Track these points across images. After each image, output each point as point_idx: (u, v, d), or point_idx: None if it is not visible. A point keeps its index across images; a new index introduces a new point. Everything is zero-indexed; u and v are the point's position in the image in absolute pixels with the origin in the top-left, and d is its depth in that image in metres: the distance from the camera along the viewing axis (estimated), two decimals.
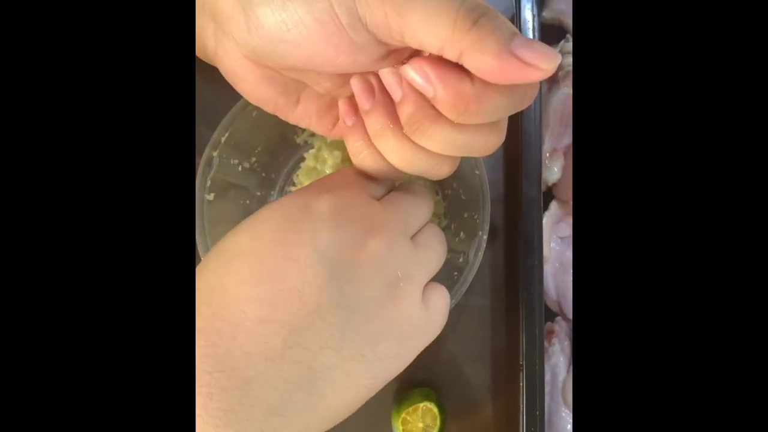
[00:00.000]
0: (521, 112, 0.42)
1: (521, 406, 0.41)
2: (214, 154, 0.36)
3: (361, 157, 0.28)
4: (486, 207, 0.37)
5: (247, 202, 0.41)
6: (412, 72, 0.24)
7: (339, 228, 0.25)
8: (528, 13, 0.43)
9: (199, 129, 0.35)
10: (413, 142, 0.26)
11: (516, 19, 0.43)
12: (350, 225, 0.25)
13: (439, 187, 0.43)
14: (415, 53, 0.25)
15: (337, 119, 0.29)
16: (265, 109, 0.29)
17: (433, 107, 0.24)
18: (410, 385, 0.44)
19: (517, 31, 0.21)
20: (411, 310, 0.26)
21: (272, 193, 0.43)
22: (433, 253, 0.29)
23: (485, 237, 0.37)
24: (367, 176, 0.29)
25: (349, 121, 0.28)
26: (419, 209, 0.29)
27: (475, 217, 0.38)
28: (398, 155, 0.26)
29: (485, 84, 0.22)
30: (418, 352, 0.27)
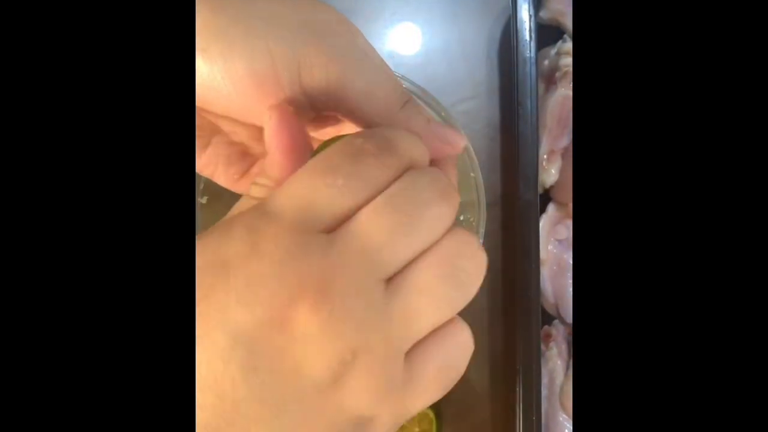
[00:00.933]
0: (517, 113, 0.42)
1: (518, 410, 0.40)
2: None
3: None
4: (482, 210, 0.37)
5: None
6: None
7: (256, 301, 0.18)
8: (525, 14, 0.42)
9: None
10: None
11: (513, 20, 0.43)
12: (272, 294, 0.18)
13: None
14: (337, 123, 0.26)
15: (246, 170, 0.28)
16: None
17: None
18: None
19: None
20: (364, 398, 0.19)
21: None
22: (431, 294, 0.19)
23: (482, 240, 0.37)
24: (309, 197, 0.19)
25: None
26: (413, 227, 0.19)
27: (471, 220, 0.38)
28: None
29: None
30: (399, 423, 0.21)
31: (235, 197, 0.39)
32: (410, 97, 0.24)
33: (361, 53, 0.23)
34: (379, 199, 0.19)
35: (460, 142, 0.24)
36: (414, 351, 0.20)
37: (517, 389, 0.41)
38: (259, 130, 0.24)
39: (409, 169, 0.20)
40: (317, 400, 0.18)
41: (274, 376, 0.18)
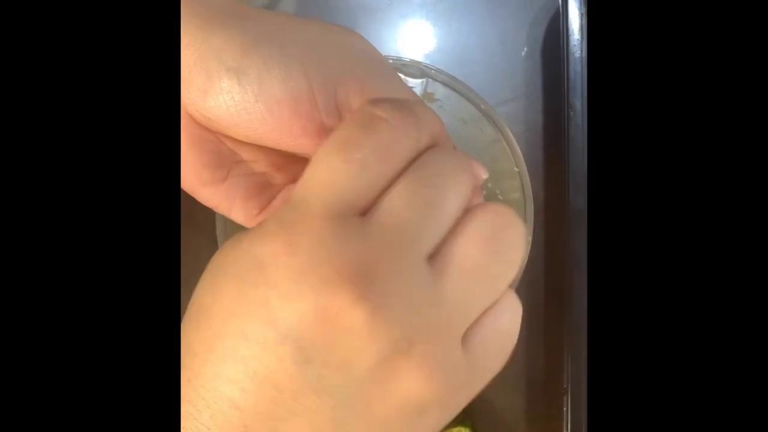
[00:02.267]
0: (567, 116, 0.40)
1: None
2: None
3: None
4: (529, 207, 0.34)
5: None
6: None
7: (299, 297, 0.18)
8: (575, 11, 0.40)
9: None
10: None
11: (562, 17, 0.40)
12: (314, 289, 0.17)
13: None
14: None
15: (265, 205, 0.25)
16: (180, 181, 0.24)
17: None
18: None
19: None
20: (424, 388, 0.18)
21: None
22: (479, 271, 0.19)
23: (530, 239, 0.34)
24: (342, 184, 0.18)
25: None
26: (447, 200, 0.19)
27: None
28: None
29: None
30: (459, 409, 0.20)
31: None
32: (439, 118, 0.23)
33: (390, 74, 0.23)
34: (408, 174, 0.19)
35: (483, 174, 0.22)
36: (470, 333, 0.19)
37: (565, 410, 0.38)
38: (281, 157, 0.25)
39: (431, 145, 0.20)
40: (374, 391, 0.18)
41: (329, 369, 0.18)
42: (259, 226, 0.19)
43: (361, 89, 0.22)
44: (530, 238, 0.35)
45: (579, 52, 0.40)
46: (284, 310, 0.18)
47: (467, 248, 0.19)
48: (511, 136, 0.36)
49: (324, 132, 0.22)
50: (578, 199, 0.38)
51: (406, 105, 0.19)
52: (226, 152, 0.24)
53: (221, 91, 0.21)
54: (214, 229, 0.36)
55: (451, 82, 0.37)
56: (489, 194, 0.39)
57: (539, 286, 0.43)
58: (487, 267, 0.19)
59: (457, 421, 0.39)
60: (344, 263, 0.17)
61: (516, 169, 0.35)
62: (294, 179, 0.25)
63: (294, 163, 0.25)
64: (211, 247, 0.38)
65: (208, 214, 0.37)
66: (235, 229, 0.35)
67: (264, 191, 0.25)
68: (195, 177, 0.24)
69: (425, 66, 0.37)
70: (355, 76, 0.22)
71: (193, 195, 0.25)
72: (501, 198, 0.38)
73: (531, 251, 0.42)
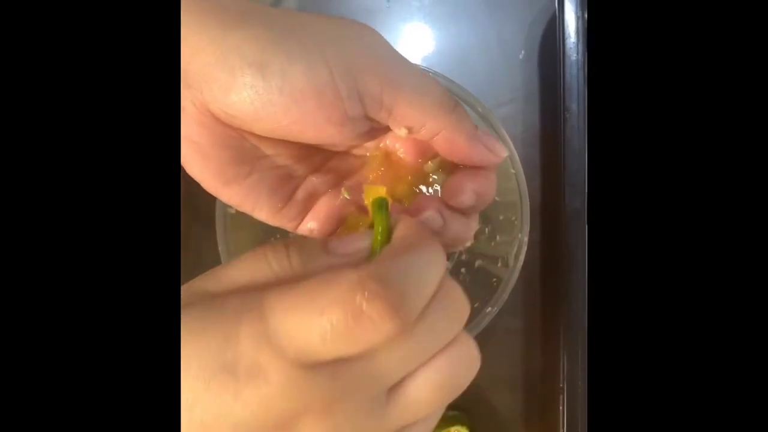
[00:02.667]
0: (563, 118, 0.40)
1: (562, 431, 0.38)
2: None
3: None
4: (525, 207, 0.35)
5: None
6: (428, 211, 0.25)
7: (261, 411, 0.18)
8: (571, 14, 0.41)
9: None
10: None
11: (558, 21, 0.41)
12: (278, 411, 0.18)
13: None
14: (387, 132, 0.26)
15: (289, 197, 0.26)
16: (202, 183, 0.24)
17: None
18: None
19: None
20: None
21: None
22: (428, 404, 0.20)
23: (525, 239, 0.35)
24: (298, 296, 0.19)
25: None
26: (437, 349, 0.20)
27: (513, 218, 0.35)
28: None
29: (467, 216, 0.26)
30: None
31: None
32: (457, 102, 0.24)
33: (405, 62, 0.24)
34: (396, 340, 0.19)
35: (503, 152, 0.25)
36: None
37: (561, 409, 0.38)
38: (304, 150, 0.26)
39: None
40: None
41: None
42: (236, 338, 0.18)
43: (380, 79, 0.23)
44: (525, 239, 0.35)
45: (575, 54, 0.40)
46: (245, 413, 0.18)
47: (423, 383, 0.20)
48: (507, 138, 0.36)
49: (347, 120, 0.23)
50: (575, 199, 0.39)
51: (404, 293, 0.18)
52: (248, 148, 0.25)
53: (244, 86, 0.22)
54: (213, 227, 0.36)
55: (448, 85, 0.37)
56: None
57: (536, 286, 0.43)
58: (437, 400, 0.20)
59: (455, 421, 0.39)
60: (311, 397, 0.18)
61: (512, 170, 0.35)
62: (315, 169, 0.27)
63: (315, 154, 0.26)
64: (211, 245, 0.38)
65: (208, 214, 0.37)
66: (236, 228, 0.35)
67: (287, 184, 0.26)
68: (218, 175, 0.24)
69: (423, 69, 0.38)
70: (374, 66, 0.23)
71: (216, 195, 0.25)
72: (498, 199, 0.38)
73: (528, 252, 0.42)
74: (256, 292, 0.19)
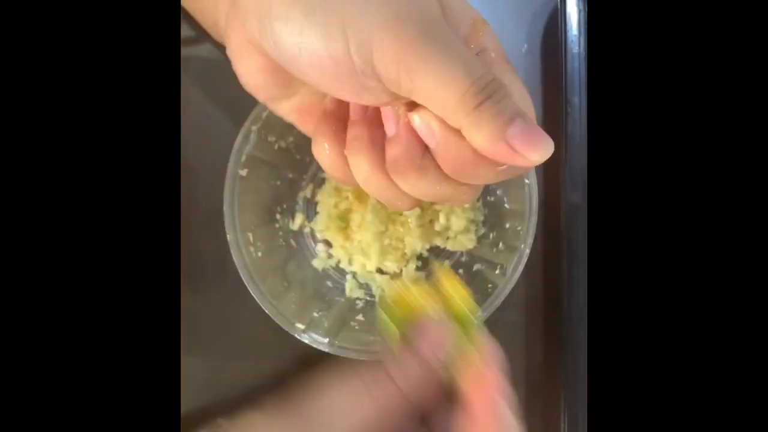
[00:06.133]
0: (565, 112, 0.40)
1: (563, 427, 0.38)
2: (253, 128, 0.35)
3: (320, 149, 0.27)
4: (532, 220, 0.35)
5: (278, 183, 0.39)
6: (418, 121, 0.23)
7: None
8: (573, 8, 0.40)
9: (243, 102, 0.33)
10: (384, 173, 0.25)
11: (560, 14, 0.40)
12: None
13: (481, 192, 0.40)
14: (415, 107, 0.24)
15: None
16: (255, 95, 0.28)
17: (421, 158, 0.24)
18: None
19: (523, 113, 0.22)
20: None
21: (304, 177, 0.40)
22: None
23: (527, 251, 0.35)
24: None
25: (330, 107, 0.27)
26: None
27: (519, 228, 0.35)
28: (365, 177, 0.25)
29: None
30: None
31: (272, 172, 0.37)
32: (493, 93, 0.21)
33: (433, 42, 0.21)
34: None
35: (538, 156, 0.21)
36: None
37: (562, 405, 0.38)
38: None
39: None
40: None
41: None
42: None
43: (398, 60, 0.21)
44: (527, 251, 0.35)
45: (577, 48, 0.40)
46: None
47: None
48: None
49: (364, 91, 0.23)
50: (575, 194, 0.39)
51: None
52: (291, 77, 0.25)
53: (272, 34, 0.23)
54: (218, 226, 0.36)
55: None
56: (497, 201, 0.39)
57: (537, 281, 0.43)
58: None
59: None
60: None
61: (527, 180, 0.35)
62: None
63: None
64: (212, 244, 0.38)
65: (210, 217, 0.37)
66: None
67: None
68: (266, 92, 0.27)
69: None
70: (393, 44, 0.21)
71: (267, 105, 0.29)
72: (508, 207, 0.38)
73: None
74: None
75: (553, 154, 0.22)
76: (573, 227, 0.39)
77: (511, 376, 0.43)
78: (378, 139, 0.25)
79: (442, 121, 0.22)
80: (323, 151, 0.26)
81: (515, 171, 0.24)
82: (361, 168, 0.25)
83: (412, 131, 0.24)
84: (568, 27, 0.40)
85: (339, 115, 0.27)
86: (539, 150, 0.21)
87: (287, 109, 0.28)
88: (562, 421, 0.38)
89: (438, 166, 0.24)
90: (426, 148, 0.24)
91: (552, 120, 0.45)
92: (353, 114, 0.26)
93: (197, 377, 0.39)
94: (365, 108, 0.26)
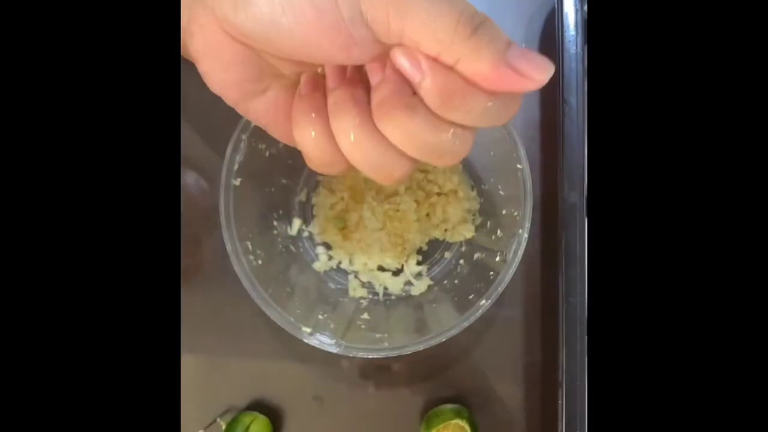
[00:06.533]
0: (562, 111, 0.40)
1: (560, 426, 0.38)
2: (243, 137, 0.35)
3: (303, 133, 0.25)
4: (528, 203, 0.35)
5: (272, 189, 0.39)
6: (402, 56, 0.22)
7: None
8: (570, 7, 0.41)
9: (229, 112, 0.33)
10: (372, 129, 0.24)
11: (557, 14, 0.41)
12: None
13: (474, 181, 0.40)
14: None
15: None
16: (224, 97, 0.26)
17: (410, 98, 0.23)
18: (438, 401, 0.41)
19: (513, 41, 0.22)
20: None
21: (298, 181, 0.41)
22: None
23: (526, 235, 0.35)
24: None
25: (305, 90, 0.26)
26: None
27: (515, 213, 0.36)
28: (352, 141, 0.24)
29: (473, 84, 0.22)
30: None
31: (265, 180, 0.37)
32: (483, 20, 0.21)
33: None
34: None
35: (542, 74, 0.21)
36: None
37: (560, 403, 0.38)
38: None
39: None
40: None
41: None
42: None
43: (387, 0, 0.21)
44: (526, 235, 0.35)
45: (574, 48, 0.40)
46: None
47: None
48: (516, 135, 0.36)
49: (353, 44, 0.22)
50: (573, 193, 0.39)
51: None
52: (266, 66, 0.25)
53: (250, 3, 0.22)
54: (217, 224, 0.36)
55: None
56: (491, 189, 0.39)
57: (536, 279, 0.43)
58: None
59: (455, 413, 0.39)
60: None
61: (519, 166, 0.35)
62: None
63: None
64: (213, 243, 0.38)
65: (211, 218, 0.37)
66: (243, 239, 0.35)
67: None
68: (237, 90, 0.26)
69: None
70: None
71: (236, 109, 0.26)
72: (502, 193, 0.38)
73: (528, 245, 0.42)
74: None
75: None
76: (570, 227, 0.39)
77: (510, 374, 0.44)
78: (360, 98, 0.24)
79: (427, 54, 0.22)
80: (306, 134, 0.25)
81: (506, 108, 0.23)
82: (347, 128, 0.24)
83: (399, 73, 0.23)
84: (566, 27, 0.40)
85: (316, 95, 0.26)
86: (542, 69, 0.21)
87: (262, 109, 0.27)
88: (560, 420, 0.38)
89: (427, 107, 0.23)
90: (413, 92, 0.23)
91: (549, 120, 0.45)
92: (331, 82, 0.25)
93: (197, 377, 0.40)
94: (343, 73, 0.25)
